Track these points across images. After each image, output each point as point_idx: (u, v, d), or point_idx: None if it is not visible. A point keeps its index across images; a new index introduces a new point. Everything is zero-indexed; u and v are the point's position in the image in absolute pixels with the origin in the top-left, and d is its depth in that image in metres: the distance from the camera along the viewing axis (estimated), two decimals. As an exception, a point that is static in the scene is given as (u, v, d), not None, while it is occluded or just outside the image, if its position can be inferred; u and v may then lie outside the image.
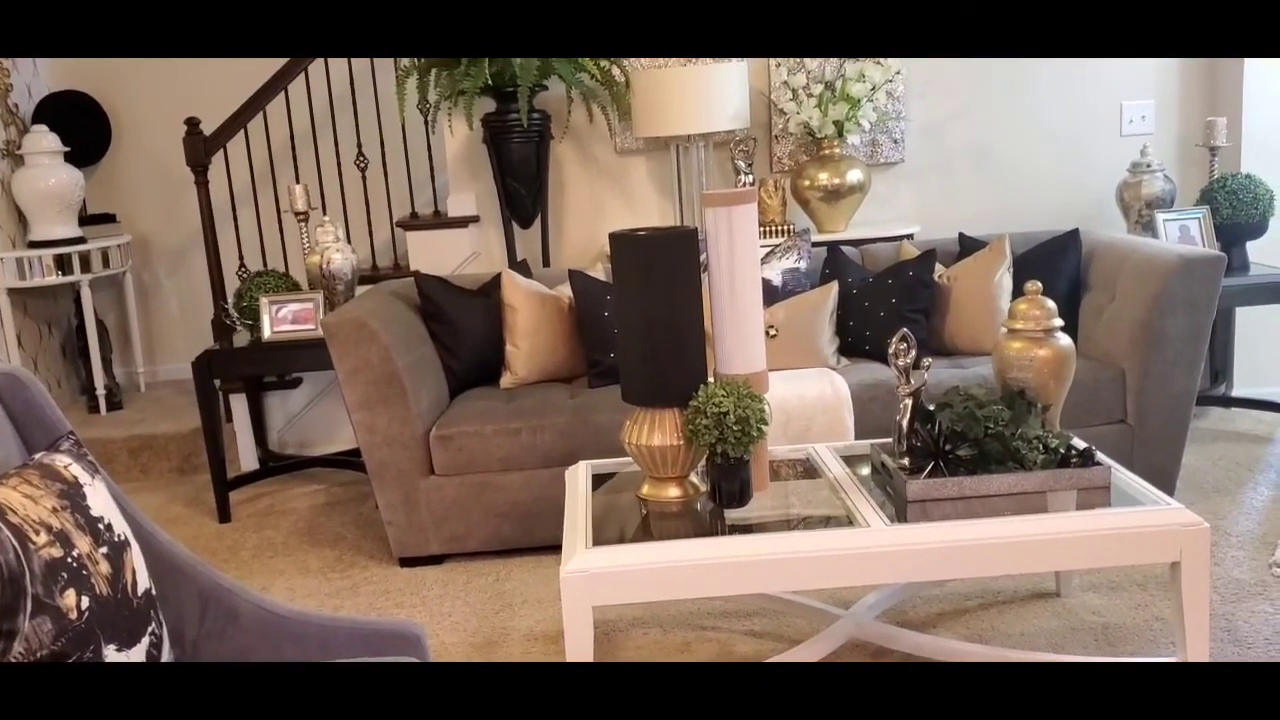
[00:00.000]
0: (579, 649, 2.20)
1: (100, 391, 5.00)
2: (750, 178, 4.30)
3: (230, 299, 4.35)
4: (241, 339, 4.16)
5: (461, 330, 3.65)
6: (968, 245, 3.88)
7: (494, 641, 2.90)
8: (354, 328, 3.29)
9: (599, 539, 2.32)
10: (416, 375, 3.39)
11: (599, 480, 2.72)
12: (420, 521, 3.38)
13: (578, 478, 2.73)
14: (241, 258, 4.73)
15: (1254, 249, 4.23)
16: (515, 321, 3.64)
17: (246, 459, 4.52)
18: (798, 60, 4.46)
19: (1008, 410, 2.42)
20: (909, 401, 2.49)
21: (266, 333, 4.00)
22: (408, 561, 3.44)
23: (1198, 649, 2.26)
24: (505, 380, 3.66)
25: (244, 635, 1.76)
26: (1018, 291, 3.35)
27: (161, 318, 5.68)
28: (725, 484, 2.45)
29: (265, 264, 4.77)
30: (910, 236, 4.28)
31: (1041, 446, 2.40)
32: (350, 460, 4.25)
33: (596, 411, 3.37)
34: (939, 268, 3.78)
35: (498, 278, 3.74)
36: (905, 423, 2.49)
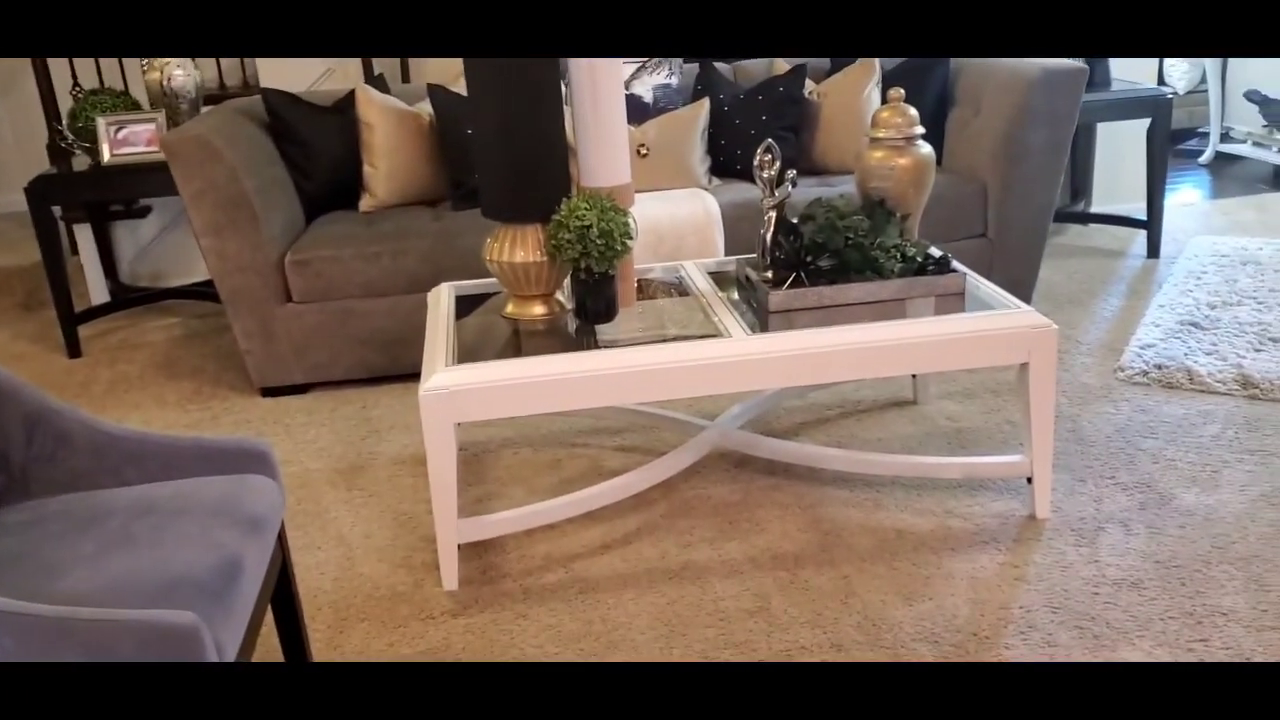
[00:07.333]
0: (441, 468, 2.18)
1: (-71, 225, 4.66)
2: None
3: (65, 120, 4.04)
4: (80, 164, 3.89)
5: (315, 150, 3.46)
6: (838, 61, 3.82)
7: (359, 467, 2.87)
8: (196, 146, 3.09)
9: (462, 358, 2.27)
10: (267, 197, 3.22)
11: (464, 303, 2.65)
12: (280, 351, 3.27)
13: (440, 298, 2.66)
14: (75, 76, 4.38)
15: (1117, 65, 4.27)
16: (373, 140, 3.46)
17: (96, 292, 4.30)
18: None
19: (867, 220, 2.42)
20: (772, 215, 2.46)
21: (106, 156, 3.74)
22: (270, 392, 3.35)
23: (1042, 447, 2.36)
24: (364, 203, 3.52)
25: (77, 457, 1.67)
26: (886, 106, 3.32)
27: (-8, 144, 5.28)
28: (590, 301, 2.42)
29: (101, 83, 4.42)
30: (782, 53, 4.19)
31: (899, 255, 2.42)
32: (207, 291, 4.08)
33: (460, 234, 3.27)
34: (809, 84, 3.72)
35: (352, 94, 3.54)
36: (769, 236, 2.47)
